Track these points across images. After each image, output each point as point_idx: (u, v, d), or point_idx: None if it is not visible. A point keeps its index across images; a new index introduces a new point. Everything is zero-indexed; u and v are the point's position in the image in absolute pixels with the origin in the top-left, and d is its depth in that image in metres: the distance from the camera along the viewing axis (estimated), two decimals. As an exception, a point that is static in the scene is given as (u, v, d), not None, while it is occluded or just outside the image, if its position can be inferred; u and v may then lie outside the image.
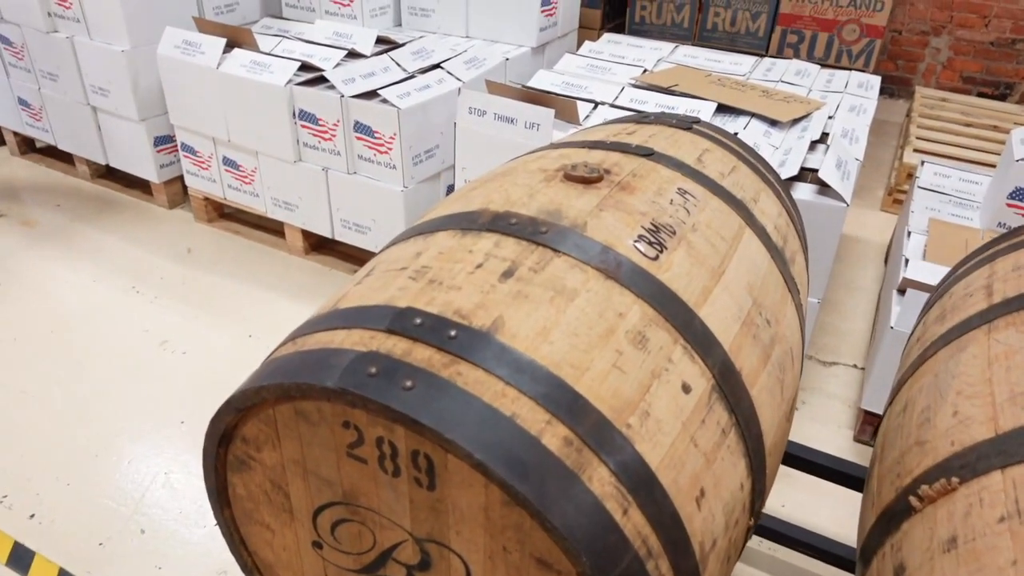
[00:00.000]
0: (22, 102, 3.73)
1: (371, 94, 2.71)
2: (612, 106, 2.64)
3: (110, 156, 3.58)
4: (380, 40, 3.20)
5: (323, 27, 3.31)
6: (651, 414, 0.88)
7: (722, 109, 2.64)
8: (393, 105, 2.61)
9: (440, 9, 3.46)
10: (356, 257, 3.17)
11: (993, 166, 3.33)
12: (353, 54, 3.06)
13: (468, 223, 1.09)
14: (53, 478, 2.12)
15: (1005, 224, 2.46)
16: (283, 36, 3.26)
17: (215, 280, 3.04)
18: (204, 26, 3.14)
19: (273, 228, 3.34)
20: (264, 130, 2.93)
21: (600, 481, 0.80)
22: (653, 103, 2.67)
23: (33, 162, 3.98)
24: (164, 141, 3.42)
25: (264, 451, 0.98)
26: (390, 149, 2.69)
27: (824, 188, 2.15)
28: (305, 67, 2.88)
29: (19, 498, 2.05)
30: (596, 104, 2.63)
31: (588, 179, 1.18)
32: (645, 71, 3.04)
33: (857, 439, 2.34)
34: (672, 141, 1.42)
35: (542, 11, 3.31)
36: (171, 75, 3.09)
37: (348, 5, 3.45)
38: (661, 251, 1.07)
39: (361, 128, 2.72)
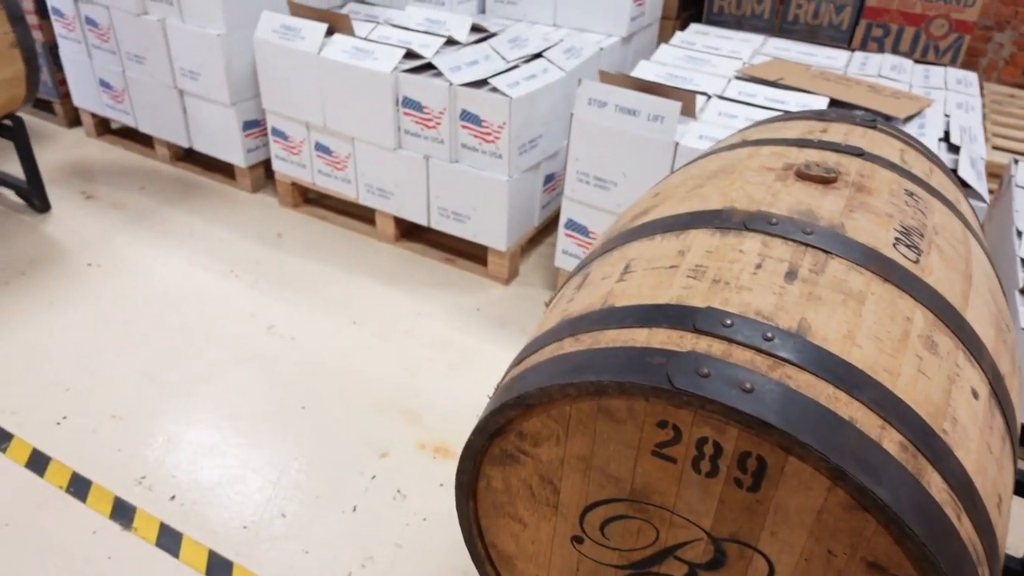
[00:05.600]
0: (104, 84, 3.73)
1: (478, 83, 2.70)
2: (721, 98, 2.63)
3: (194, 139, 3.58)
4: (472, 28, 3.19)
5: (414, 13, 3.30)
6: (958, 420, 0.89)
7: (834, 104, 2.63)
8: (504, 94, 2.60)
9: (528, -3, 3.44)
10: (447, 245, 3.18)
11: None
12: (450, 41, 3.05)
13: (721, 221, 1.09)
14: (185, 460, 2.14)
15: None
16: (374, 21, 3.24)
17: (309, 265, 3.05)
18: (299, 10, 3.13)
19: (360, 214, 3.35)
20: (364, 117, 2.93)
21: (937, 487, 0.81)
22: (762, 96, 2.66)
23: (109, 144, 3.99)
24: (252, 126, 3.42)
25: (543, 446, 0.99)
26: (497, 138, 2.69)
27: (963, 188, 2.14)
28: (407, 54, 2.87)
29: (157, 479, 2.08)
30: (708, 97, 2.62)
31: (825, 179, 1.18)
32: (743, 63, 3.02)
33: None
34: (869, 140, 1.41)
35: (635, 1, 3.29)
36: (267, 60, 3.08)
37: (437, -9, 3.44)
38: (919, 254, 1.07)
39: (468, 117, 2.72)
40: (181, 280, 2.92)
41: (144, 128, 3.73)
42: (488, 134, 2.70)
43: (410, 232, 3.25)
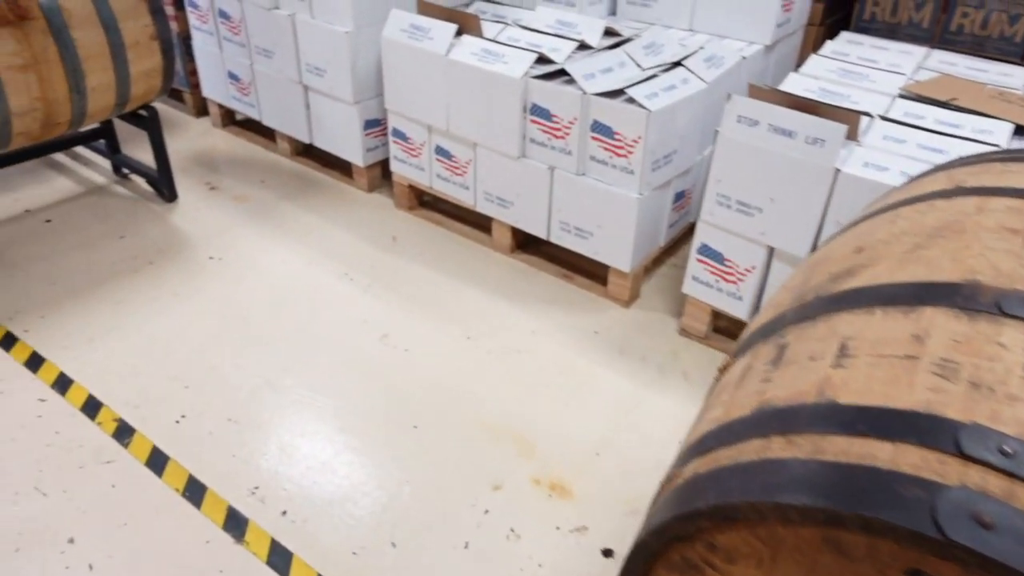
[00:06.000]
0: (232, 76, 3.79)
1: (612, 92, 2.54)
2: (885, 119, 2.36)
3: (315, 135, 3.58)
4: (604, 31, 3.03)
5: (545, 14, 3.17)
6: None
7: (1020, 131, 2.32)
8: (642, 106, 2.43)
9: (664, -1, 3.25)
10: (564, 260, 3.04)
11: None
12: (582, 45, 2.90)
13: (964, 300, 0.90)
14: (298, 473, 2.10)
15: None
16: (503, 22, 3.13)
17: (422, 272, 2.98)
18: (427, 8, 3.05)
19: (475, 221, 3.26)
20: (489, 122, 2.83)
21: None
22: (931, 119, 2.38)
23: (233, 135, 4.06)
24: (373, 125, 3.38)
25: (738, 564, 0.83)
26: (630, 152, 2.53)
27: None
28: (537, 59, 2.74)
29: (269, 491, 2.05)
30: (871, 117, 2.37)
31: (1094, 253, 0.96)
32: (906, 79, 2.73)
33: None
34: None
35: (783, 5, 3.03)
36: (393, 59, 3.03)
37: (568, -9, 3.29)
38: None
39: (600, 128, 2.56)
40: (298, 279, 2.91)
41: (267, 122, 3.77)
42: (620, 147, 2.54)
43: (526, 243, 3.13)
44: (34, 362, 2.45)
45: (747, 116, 2.22)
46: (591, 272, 2.97)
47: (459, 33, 2.88)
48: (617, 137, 2.53)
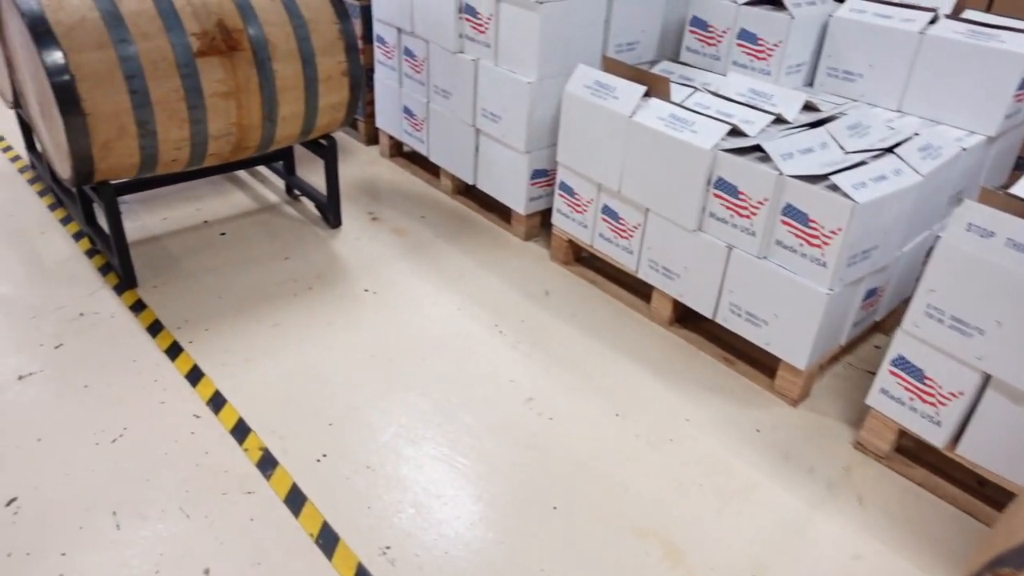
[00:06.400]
0: (407, 111, 3.87)
1: (813, 176, 2.33)
2: None
3: (480, 178, 3.57)
4: (803, 105, 2.81)
5: (737, 81, 2.99)
6: None
7: None
8: (847, 196, 2.20)
9: (871, 75, 2.99)
10: (727, 342, 2.82)
11: None
12: (777, 119, 2.70)
13: None
14: (430, 542, 2.01)
15: None
16: (690, 85, 2.99)
17: (573, 334, 2.86)
18: (613, 66, 2.96)
19: (632, 286, 3.10)
20: (666, 190, 2.68)
21: None
22: None
23: (398, 166, 4.14)
24: (539, 175, 3.32)
25: None
26: (825, 243, 2.29)
27: None
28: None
29: (401, 554, 1.96)
30: None
31: None
32: None
33: None
34: None
35: (1015, 95, 2.70)
36: (573, 113, 2.95)
37: (764, 58, 3.11)
38: None
39: (793, 213, 2.35)
40: (447, 324, 2.86)
41: (434, 158, 3.81)
42: (815, 236, 2.32)
43: (686, 317, 2.94)
44: (194, 375, 2.52)
45: (980, 225, 1.94)
46: (756, 359, 2.73)
47: (646, 95, 2.76)
48: (812, 225, 2.31)
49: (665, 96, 2.78)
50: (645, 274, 2.92)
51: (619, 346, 2.81)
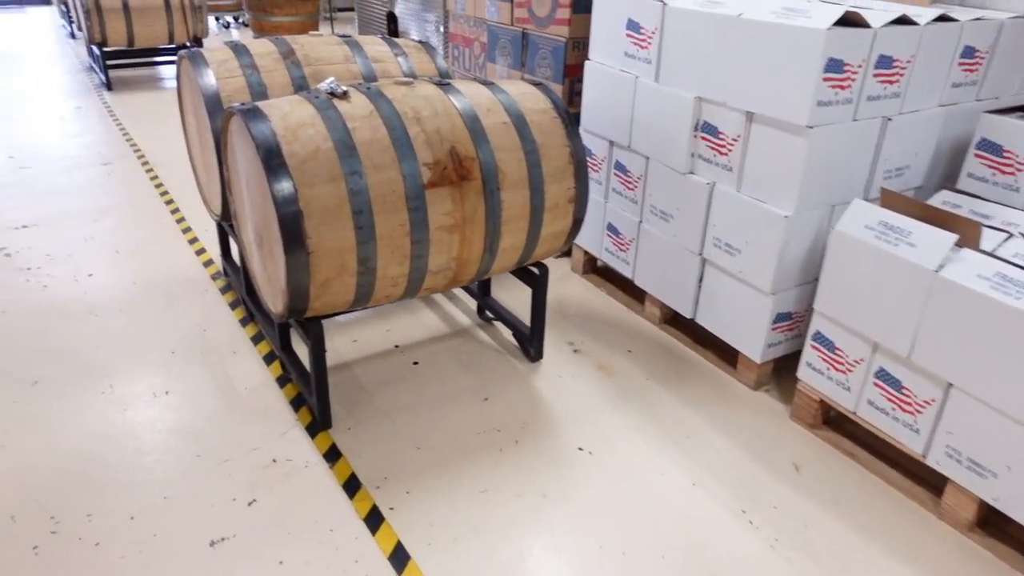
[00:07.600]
0: (611, 228, 3.50)
1: None
2: None
3: (701, 312, 3.11)
4: None
5: (1059, 225, 2.40)
6: None
7: None
8: None
9: None
10: None
11: None
12: None
13: None
14: None
15: None
16: (998, 229, 2.42)
17: (841, 532, 2.28)
18: (893, 201, 2.46)
19: (913, 471, 2.50)
20: (980, 363, 2.11)
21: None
22: None
23: (592, 284, 3.77)
24: (783, 319, 2.82)
25: None
26: None
27: None
28: (1088, 300, 1.98)
29: None
30: None
31: None
32: None
33: None
34: None
35: None
36: (846, 258, 2.45)
37: (1088, 195, 2.50)
38: None
39: None
40: (683, 505, 2.37)
41: (641, 283, 3.40)
42: None
43: (990, 521, 2.30)
44: (398, 558, 2.15)
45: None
46: (1115, 605, 2.05)
47: (957, 244, 2.23)
48: None
49: (975, 245, 2.24)
50: (938, 462, 2.32)
51: (901, 553, 2.21)
